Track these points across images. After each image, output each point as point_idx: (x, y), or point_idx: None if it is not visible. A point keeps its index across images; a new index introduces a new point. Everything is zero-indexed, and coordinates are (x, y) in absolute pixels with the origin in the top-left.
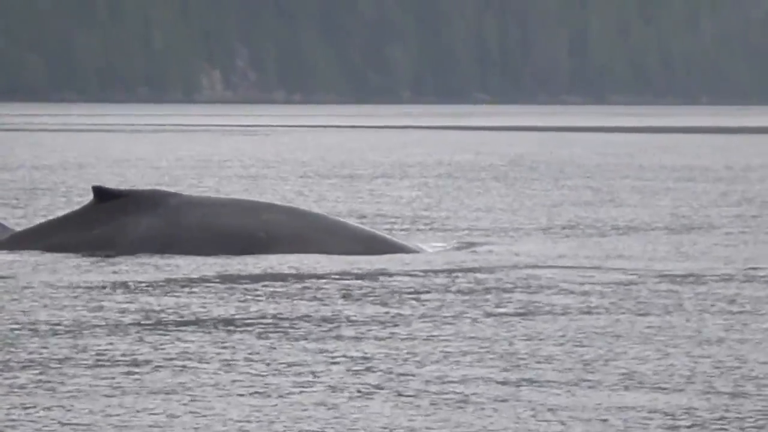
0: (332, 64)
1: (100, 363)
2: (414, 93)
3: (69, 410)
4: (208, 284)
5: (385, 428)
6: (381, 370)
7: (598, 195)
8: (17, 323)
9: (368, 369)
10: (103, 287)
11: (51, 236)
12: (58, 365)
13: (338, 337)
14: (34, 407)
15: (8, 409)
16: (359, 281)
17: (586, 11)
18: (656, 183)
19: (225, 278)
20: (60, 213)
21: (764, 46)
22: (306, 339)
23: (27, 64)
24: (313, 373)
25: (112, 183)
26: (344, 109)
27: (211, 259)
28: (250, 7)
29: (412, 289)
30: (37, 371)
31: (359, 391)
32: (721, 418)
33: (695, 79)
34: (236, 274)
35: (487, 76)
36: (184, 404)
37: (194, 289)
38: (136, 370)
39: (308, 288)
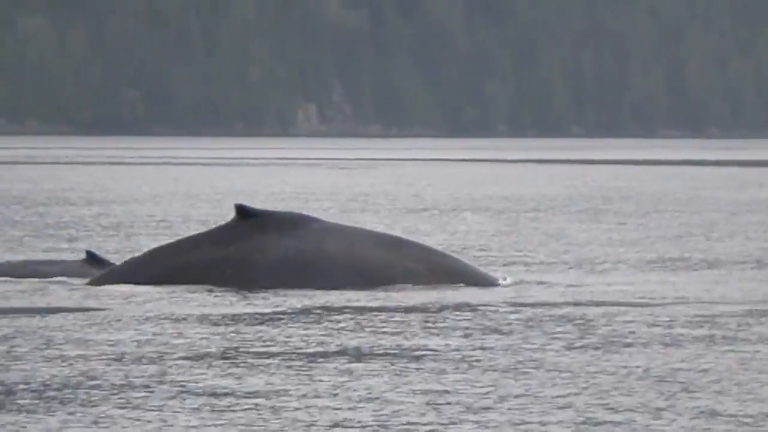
0: (428, 98)
1: (183, 391)
2: (510, 127)
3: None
4: (293, 315)
5: None
6: (460, 403)
7: (689, 229)
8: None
9: (448, 402)
10: (207, 318)
11: (190, 251)
12: (145, 393)
13: (418, 370)
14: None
15: None
16: (456, 313)
17: (684, 44)
18: (748, 217)
19: (324, 309)
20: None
21: None
22: (386, 372)
23: (124, 98)
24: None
25: (210, 215)
26: (439, 143)
27: (309, 292)
28: (346, 41)
29: (496, 323)
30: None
31: (439, 424)
32: None
33: None
34: (341, 305)
35: (583, 109)
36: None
37: (280, 320)
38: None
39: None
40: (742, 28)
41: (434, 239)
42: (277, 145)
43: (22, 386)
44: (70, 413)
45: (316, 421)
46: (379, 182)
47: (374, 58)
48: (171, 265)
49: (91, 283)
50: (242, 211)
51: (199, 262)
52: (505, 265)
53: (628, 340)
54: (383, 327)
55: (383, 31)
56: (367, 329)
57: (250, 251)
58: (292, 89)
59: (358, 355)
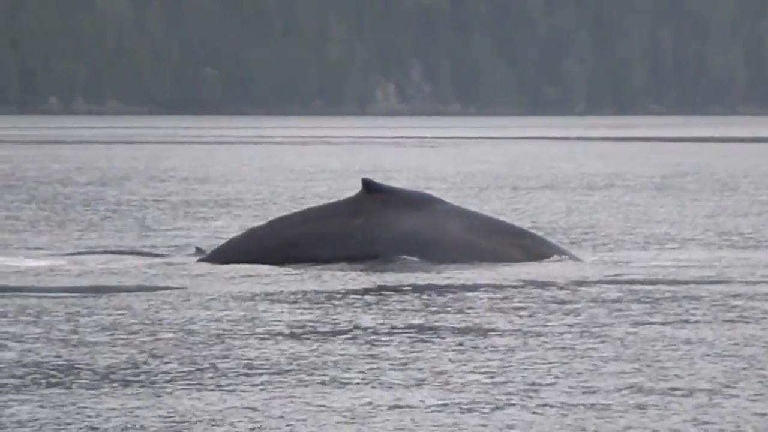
0: (506, 76)
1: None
2: (588, 105)
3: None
4: (355, 295)
5: None
6: (519, 381)
7: (759, 207)
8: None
9: (507, 381)
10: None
11: (314, 222)
12: (213, 372)
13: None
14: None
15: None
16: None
17: (763, 22)
18: None
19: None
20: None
21: None
22: (451, 350)
23: (203, 77)
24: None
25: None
26: (518, 121)
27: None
28: (425, 20)
29: (562, 300)
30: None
31: (498, 400)
32: None
33: None
34: (415, 283)
35: (662, 87)
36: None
37: (346, 299)
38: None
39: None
40: None
41: (506, 217)
42: (357, 123)
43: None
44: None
45: (380, 398)
46: (453, 160)
47: (453, 37)
48: (293, 236)
49: (204, 259)
50: (369, 186)
51: (322, 234)
52: (575, 242)
53: (695, 318)
54: (450, 307)
55: (462, 9)
56: (437, 308)
57: (374, 225)
58: (371, 68)
59: (426, 330)
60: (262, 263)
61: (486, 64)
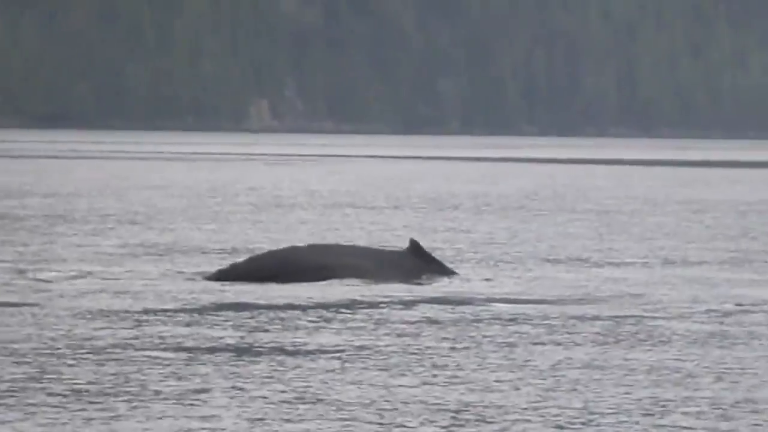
0: (381, 94)
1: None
2: (463, 124)
3: None
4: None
5: None
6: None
7: (598, 229)
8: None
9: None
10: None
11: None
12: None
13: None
14: None
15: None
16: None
17: (635, 45)
18: (662, 218)
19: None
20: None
21: None
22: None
23: (75, 91)
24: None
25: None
26: (391, 140)
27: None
28: (299, 37)
29: (389, 320)
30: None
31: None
32: None
33: (743, 113)
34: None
35: (535, 108)
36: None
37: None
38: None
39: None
40: (692, 29)
41: (335, 234)
42: (228, 140)
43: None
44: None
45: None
46: (314, 179)
47: (327, 55)
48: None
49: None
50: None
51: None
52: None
53: (523, 340)
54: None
55: (337, 27)
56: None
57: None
58: (245, 84)
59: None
60: None
61: (360, 81)
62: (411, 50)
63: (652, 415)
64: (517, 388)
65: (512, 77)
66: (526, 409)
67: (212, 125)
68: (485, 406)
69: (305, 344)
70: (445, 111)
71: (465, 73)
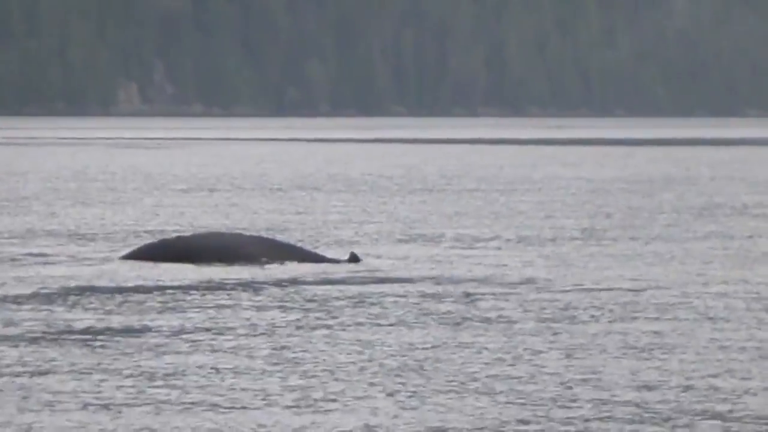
0: (250, 78)
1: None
2: (332, 106)
3: None
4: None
5: None
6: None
7: (454, 208)
8: None
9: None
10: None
11: None
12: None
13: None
14: None
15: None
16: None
17: (503, 25)
18: (521, 197)
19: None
20: None
21: (679, 60)
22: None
23: None
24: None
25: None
26: (260, 122)
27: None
28: (167, 21)
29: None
30: None
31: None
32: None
33: (611, 91)
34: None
35: (404, 89)
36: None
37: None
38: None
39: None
40: (560, 7)
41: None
42: (96, 125)
43: None
44: None
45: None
46: (182, 162)
47: (196, 39)
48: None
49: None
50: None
51: None
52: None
53: (371, 320)
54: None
55: (205, 11)
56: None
57: None
58: (114, 69)
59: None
60: None
61: (229, 65)
62: (279, 33)
63: (489, 395)
64: (363, 369)
65: (381, 58)
66: (372, 385)
67: (81, 110)
68: (329, 389)
69: (159, 326)
70: (314, 93)
71: (333, 55)
